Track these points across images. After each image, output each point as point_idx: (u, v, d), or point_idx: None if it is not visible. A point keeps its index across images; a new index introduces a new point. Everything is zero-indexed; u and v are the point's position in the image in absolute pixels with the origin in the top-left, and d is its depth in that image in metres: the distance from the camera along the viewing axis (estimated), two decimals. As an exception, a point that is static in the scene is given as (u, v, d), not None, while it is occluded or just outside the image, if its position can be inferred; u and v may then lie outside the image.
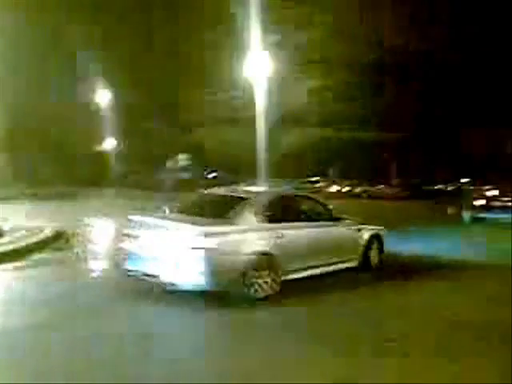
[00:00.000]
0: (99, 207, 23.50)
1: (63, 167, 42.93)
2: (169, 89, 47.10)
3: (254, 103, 30.64)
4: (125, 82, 40.75)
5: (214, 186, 34.49)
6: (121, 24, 40.54)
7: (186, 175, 44.40)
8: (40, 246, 10.94)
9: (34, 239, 11.25)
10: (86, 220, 17.76)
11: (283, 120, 38.05)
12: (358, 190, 37.68)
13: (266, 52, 27.44)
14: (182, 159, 47.24)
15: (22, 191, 30.49)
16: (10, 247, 10.15)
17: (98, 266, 9.91)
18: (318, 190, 33.31)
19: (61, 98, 37.33)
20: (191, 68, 48.35)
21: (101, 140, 45.44)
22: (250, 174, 35.45)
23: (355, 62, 38.15)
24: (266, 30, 29.47)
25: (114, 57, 38.90)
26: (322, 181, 35.98)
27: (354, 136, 36.52)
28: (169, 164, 46.75)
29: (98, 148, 45.92)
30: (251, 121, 33.25)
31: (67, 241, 12.33)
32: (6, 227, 12.00)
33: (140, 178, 44.06)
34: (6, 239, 10.96)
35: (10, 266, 9.00)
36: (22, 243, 10.66)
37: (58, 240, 12.11)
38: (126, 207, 18.05)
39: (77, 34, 36.82)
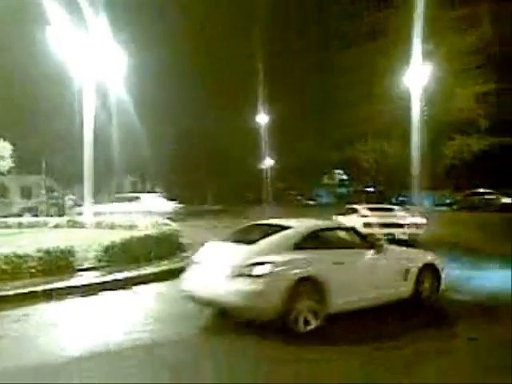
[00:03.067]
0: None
1: (229, 187, 46.12)
2: (324, 105, 47.79)
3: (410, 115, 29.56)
4: (281, 103, 42.31)
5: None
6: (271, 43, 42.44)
7: (343, 190, 44.39)
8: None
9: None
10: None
11: (447, 129, 35.98)
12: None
13: (420, 61, 26.56)
14: (339, 174, 47.29)
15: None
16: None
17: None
18: (488, 203, 30.50)
19: (227, 123, 40.13)
20: (346, 84, 48.54)
21: (261, 159, 47.63)
22: (408, 187, 34.18)
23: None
24: (424, 38, 28.51)
25: (274, 79, 40.67)
26: (491, 193, 32.72)
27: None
28: (325, 179, 47.16)
29: (259, 166, 48.12)
30: (408, 133, 32.11)
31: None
32: (187, 242, 13.29)
33: (298, 195, 45.18)
34: (188, 253, 12.12)
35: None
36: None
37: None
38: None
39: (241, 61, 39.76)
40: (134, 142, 31.67)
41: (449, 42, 40.27)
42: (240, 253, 6.37)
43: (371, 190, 43.19)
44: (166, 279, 9.62)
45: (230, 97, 40.17)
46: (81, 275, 9.42)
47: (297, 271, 6.07)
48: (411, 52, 26.19)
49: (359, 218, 15.15)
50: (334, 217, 17.58)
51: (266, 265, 5.94)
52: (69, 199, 25.72)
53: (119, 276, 9.38)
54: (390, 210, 16.77)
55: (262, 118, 44.32)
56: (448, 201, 33.24)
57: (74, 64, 17.34)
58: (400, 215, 15.84)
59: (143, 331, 6.45)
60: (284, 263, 6.08)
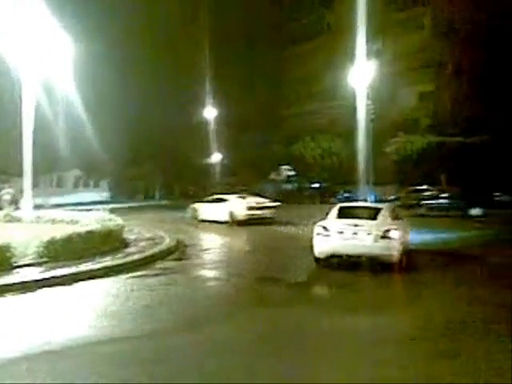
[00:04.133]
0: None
1: (176, 182, 45.65)
2: (271, 102, 48.13)
3: (356, 113, 30.28)
4: (230, 97, 42.26)
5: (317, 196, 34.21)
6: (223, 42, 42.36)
7: (289, 186, 44.83)
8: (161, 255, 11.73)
9: (156, 249, 12.07)
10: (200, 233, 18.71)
11: (390, 127, 37.10)
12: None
13: (366, 60, 27.23)
14: (285, 170, 47.70)
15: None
16: (136, 257, 10.99)
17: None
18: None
19: (174, 117, 39.68)
20: (293, 79, 49.06)
21: (208, 153, 47.31)
22: (353, 183, 35.03)
23: (464, 63, 36.17)
24: (369, 37, 29.23)
25: (220, 75, 40.52)
26: (431, 189, 33.97)
27: (467, 141, 34.41)
28: (272, 175, 47.42)
29: (206, 161, 47.79)
30: (353, 130, 32.89)
31: (184, 251, 13.02)
32: (131, 237, 13.01)
33: (245, 190, 45.26)
34: (132, 249, 11.89)
35: (138, 273, 9.76)
36: (146, 253, 11.49)
37: (176, 250, 12.84)
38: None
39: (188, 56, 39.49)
40: (80, 135, 30.73)
41: (393, 42, 41.59)
42: (373, 224, 10.56)
43: (316, 185, 43.84)
44: (109, 275, 9.41)
45: (177, 91, 39.72)
46: (18, 272, 9.03)
47: (402, 233, 10.67)
48: (355, 51, 26.73)
49: (242, 203, 20.55)
50: (192, 205, 22.97)
51: (395, 231, 10.31)
52: (6, 193, 24.53)
53: (60, 272, 9.07)
54: (244, 197, 21.55)
55: (210, 113, 43.97)
56: (392, 196, 34.24)
57: (12, 52, 16.58)
58: (259, 200, 21.57)
59: (87, 328, 6.27)
60: (399, 229, 10.60)
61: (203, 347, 5.57)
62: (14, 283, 8.31)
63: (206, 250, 14.25)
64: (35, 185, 20.25)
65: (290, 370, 4.89)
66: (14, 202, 22.20)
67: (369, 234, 10.21)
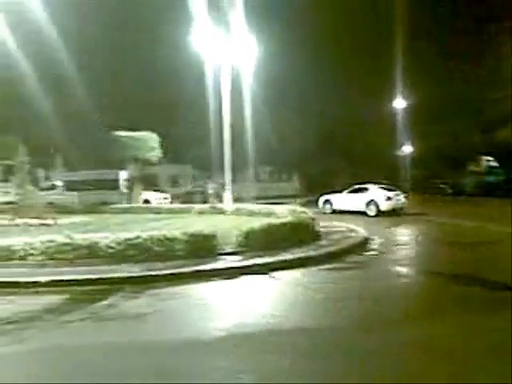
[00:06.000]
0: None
1: (365, 175, 45.03)
2: (466, 86, 44.29)
3: None
4: (420, 86, 40.11)
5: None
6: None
7: (492, 178, 40.69)
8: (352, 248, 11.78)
9: (347, 243, 12.15)
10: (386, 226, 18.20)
11: None
12: None
13: None
14: (487, 161, 43.51)
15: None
16: (327, 250, 11.22)
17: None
18: None
19: (360, 109, 39.26)
20: (492, 60, 44.40)
21: (398, 144, 45.85)
22: None
23: None
24: None
25: (409, 63, 38.73)
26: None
27: None
28: (471, 167, 43.68)
29: (397, 153, 46.39)
30: None
31: (376, 245, 12.83)
32: (323, 230, 13.35)
33: (442, 183, 42.74)
34: (323, 242, 12.18)
35: (328, 266, 9.99)
36: (337, 246, 11.66)
37: (367, 243, 12.74)
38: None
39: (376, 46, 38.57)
40: (264, 132, 32.29)
41: None
42: (400, 193, 22.86)
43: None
44: (301, 266, 9.77)
45: (365, 82, 39.09)
46: (223, 259, 9.99)
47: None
48: None
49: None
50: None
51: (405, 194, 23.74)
52: (211, 188, 27.33)
53: (258, 261, 9.75)
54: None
55: (400, 103, 42.51)
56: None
57: (212, 60, 18.28)
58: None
59: (273, 315, 6.64)
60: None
61: (375, 350, 5.27)
62: (220, 269, 9.24)
63: (399, 244, 13.78)
64: (234, 180, 22.09)
65: None
66: (217, 196, 24.53)
67: (401, 196, 22.21)
